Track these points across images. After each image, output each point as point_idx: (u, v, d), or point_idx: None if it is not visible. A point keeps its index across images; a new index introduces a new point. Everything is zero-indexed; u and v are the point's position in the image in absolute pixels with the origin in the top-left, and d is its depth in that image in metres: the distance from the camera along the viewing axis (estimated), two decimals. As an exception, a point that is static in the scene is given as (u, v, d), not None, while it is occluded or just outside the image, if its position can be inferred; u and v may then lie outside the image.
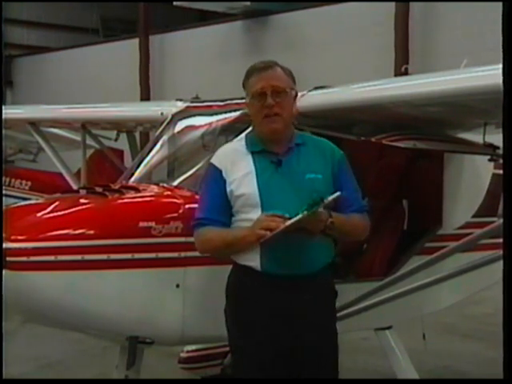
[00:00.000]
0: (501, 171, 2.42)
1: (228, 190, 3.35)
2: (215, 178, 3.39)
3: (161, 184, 4.26)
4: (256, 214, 3.26)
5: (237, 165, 3.38)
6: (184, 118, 4.80)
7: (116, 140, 6.99)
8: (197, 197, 3.88)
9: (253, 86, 3.37)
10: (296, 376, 3.37)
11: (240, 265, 3.37)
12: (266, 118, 3.34)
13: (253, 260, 3.31)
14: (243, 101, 4.40)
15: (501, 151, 4.17)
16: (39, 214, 3.74)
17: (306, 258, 3.33)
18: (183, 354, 5.73)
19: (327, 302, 3.48)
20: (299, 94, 3.61)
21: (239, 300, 3.39)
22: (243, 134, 3.58)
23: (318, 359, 3.38)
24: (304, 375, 3.37)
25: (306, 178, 3.33)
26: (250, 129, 3.57)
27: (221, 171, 3.38)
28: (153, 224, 3.74)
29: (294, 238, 3.21)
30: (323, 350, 3.41)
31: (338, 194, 3.20)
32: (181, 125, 4.77)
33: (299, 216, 3.12)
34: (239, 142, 3.52)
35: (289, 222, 3.13)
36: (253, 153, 3.40)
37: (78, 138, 7.26)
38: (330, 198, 3.17)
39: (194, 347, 5.65)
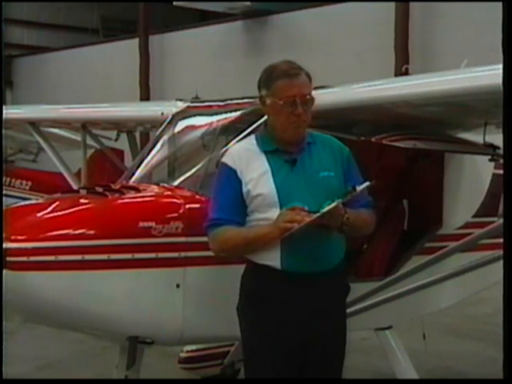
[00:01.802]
0: (501, 171, 2.42)
1: (244, 190, 3.35)
2: (230, 178, 3.38)
3: (161, 184, 4.26)
4: (273, 213, 3.28)
5: (251, 164, 3.38)
6: (184, 118, 4.80)
7: (116, 140, 6.99)
8: (197, 197, 3.89)
9: (284, 91, 3.35)
10: (306, 371, 3.39)
11: (257, 264, 3.37)
12: (293, 124, 3.36)
13: (272, 259, 3.32)
14: (244, 101, 4.43)
15: (501, 151, 4.17)
16: (39, 214, 3.74)
17: (324, 255, 3.37)
18: (183, 354, 5.73)
19: (342, 298, 3.55)
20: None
21: (258, 299, 3.38)
22: (252, 134, 3.59)
23: (330, 354, 3.43)
24: (314, 369, 3.39)
25: (320, 176, 3.37)
26: (255, 127, 3.57)
27: (235, 171, 3.37)
28: (153, 224, 3.73)
29: (313, 235, 3.24)
30: (336, 345, 3.46)
31: (367, 183, 3.28)
32: (181, 125, 4.77)
33: (333, 204, 3.16)
34: (249, 142, 3.52)
35: (318, 214, 3.16)
36: (266, 152, 3.41)
37: (78, 138, 7.26)
38: (361, 186, 3.25)
39: (194, 347, 5.65)
